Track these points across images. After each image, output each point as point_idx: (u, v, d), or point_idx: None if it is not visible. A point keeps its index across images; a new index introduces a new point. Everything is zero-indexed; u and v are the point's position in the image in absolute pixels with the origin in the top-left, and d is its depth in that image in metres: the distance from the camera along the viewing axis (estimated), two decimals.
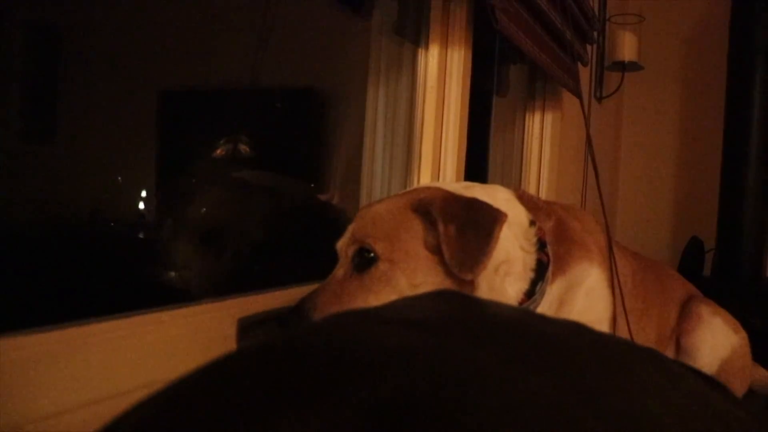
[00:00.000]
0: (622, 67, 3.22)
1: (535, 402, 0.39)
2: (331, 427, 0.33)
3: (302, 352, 0.43)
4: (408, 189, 1.20)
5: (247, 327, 0.94)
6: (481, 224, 1.02)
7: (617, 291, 1.25)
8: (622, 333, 1.24)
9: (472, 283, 1.03)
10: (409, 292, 0.99)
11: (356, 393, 0.36)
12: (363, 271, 1.02)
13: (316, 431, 0.33)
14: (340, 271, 1.05)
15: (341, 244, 1.07)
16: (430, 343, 0.45)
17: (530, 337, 0.51)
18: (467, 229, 1.00)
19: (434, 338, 0.46)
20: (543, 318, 0.60)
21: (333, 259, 1.07)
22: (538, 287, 1.09)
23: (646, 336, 1.33)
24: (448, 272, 1.00)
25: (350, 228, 1.07)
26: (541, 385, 0.41)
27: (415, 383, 0.38)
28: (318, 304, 0.99)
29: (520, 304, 1.08)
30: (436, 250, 1.01)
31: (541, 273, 1.10)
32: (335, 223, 1.74)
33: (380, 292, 1.00)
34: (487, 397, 0.38)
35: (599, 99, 3.28)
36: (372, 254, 1.01)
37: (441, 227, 1.00)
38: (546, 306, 1.13)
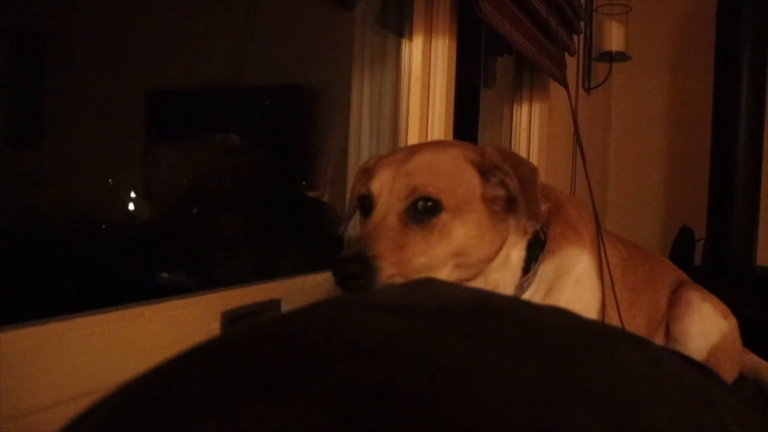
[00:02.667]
0: (610, 57, 3.22)
1: (519, 388, 0.38)
2: (308, 412, 0.33)
3: (283, 338, 0.42)
4: (422, 142, 1.19)
5: (231, 321, 0.93)
6: (530, 176, 1.04)
7: (607, 280, 1.24)
8: (613, 322, 1.24)
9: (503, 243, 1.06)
10: (464, 245, 1.00)
11: (335, 378, 0.35)
12: (422, 221, 0.99)
13: (293, 417, 0.32)
14: (390, 218, 0.99)
15: (386, 187, 1.02)
16: (414, 330, 0.44)
17: (516, 324, 0.50)
18: (525, 181, 1.02)
19: (419, 325, 0.45)
20: (530, 305, 0.59)
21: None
22: (531, 266, 1.11)
23: (636, 324, 1.33)
24: (495, 226, 1.03)
25: (400, 172, 1.02)
26: (525, 371, 0.41)
27: (396, 369, 0.37)
28: (381, 253, 0.94)
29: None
30: (489, 204, 1.03)
31: (536, 251, 1.12)
32: (325, 216, 1.74)
33: (439, 244, 0.99)
34: (469, 383, 0.37)
35: (587, 89, 3.28)
36: (432, 204, 0.99)
37: (514, 182, 1.01)
38: (534, 289, 1.13)
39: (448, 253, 1.00)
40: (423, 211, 0.99)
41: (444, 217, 0.99)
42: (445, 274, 1.00)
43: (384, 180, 1.02)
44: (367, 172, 1.09)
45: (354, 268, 0.91)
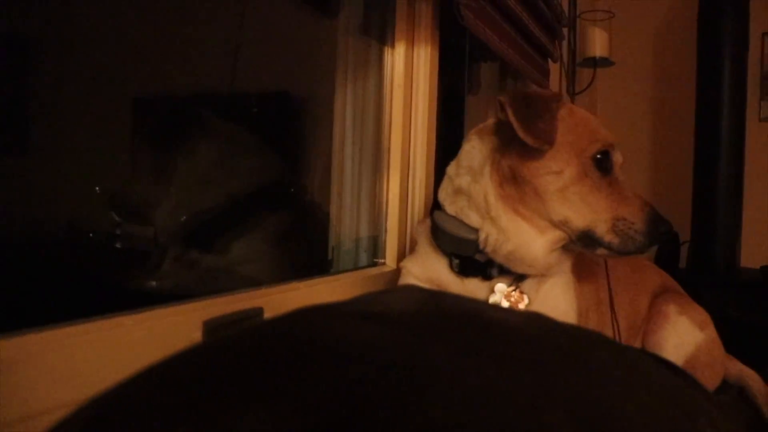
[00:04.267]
0: (594, 63, 3.23)
1: (491, 392, 0.39)
2: (284, 418, 0.33)
3: (262, 346, 0.42)
4: (570, 104, 1.25)
5: (213, 329, 0.92)
6: None
7: (588, 282, 1.26)
8: (592, 324, 1.25)
9: None
10: None
11: (312, 385, 0.36)
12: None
13: (265, 425, 0.32)
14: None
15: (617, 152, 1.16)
16: (390, 336, 0.44)
17: (489, 329, 0.51)
18: None
19: (392, 332, 0.46)
20: (504, 310, 0.60)
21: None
22: None
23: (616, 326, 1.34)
24: None
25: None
26: (498, 376, 0.41)
27: (371, 376, 0.37)
28: None
29: None
30: None
31: None
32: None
33: None
34: (442, 388, 0.37)
35: (572, 95, 3.30)
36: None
37: None
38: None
39: None
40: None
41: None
42: None
43: (617, 147, 1.16)
44: (586, 125, 1.16)
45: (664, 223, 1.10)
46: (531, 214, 1.12)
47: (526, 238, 1.13)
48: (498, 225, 1.13)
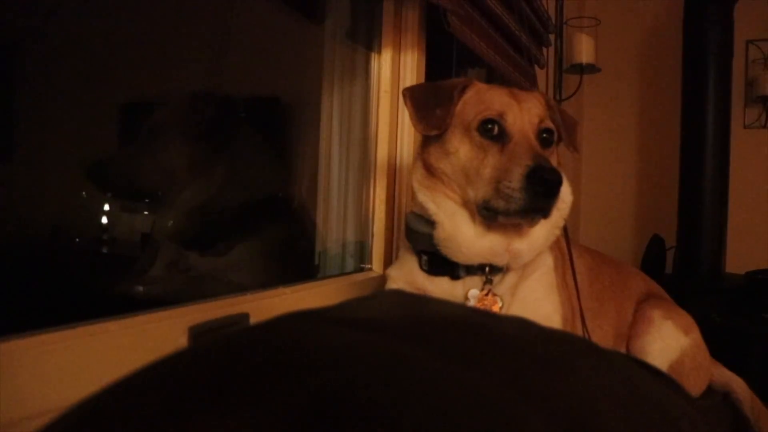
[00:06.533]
0: (580, 69, 3.25)
1: (471, 396, 0.39)
2: (261, 422, 0.33)
3: (245, 351, 0.42)
4: (510, 87, 1.24)
5: (199, 335, 0.92)
6: (571, 121, 1.33)
7: (572, 288, 1.26)
8: (578, 331, 1.25)
9: None
10: None
11: (292, 389, 0.36)
12: (546, 147, 1.14)
13: (246, 426, 0.32)
14: (533, 142, 1.11)
15: (518, 118, 1.12)
16: (371, 342, 0.44)
17: (473, 334, 0.51)
18: (567, 122, 1.27)
19: (376, 337, 0.46)
20: (489, 315, 0.60)
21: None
22: None
23: (603, 333, 1.34)
24: None
25: (523, 108, 1.13)
26: (479, 379, 0.41)
27: (352, 380, 0.37)
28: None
29: None
30: None
31: None
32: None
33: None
34: (422, 391, 0.37)
35: (559, 101, 3.31)
36: (549, 134, 1.16)
37: (559, 119, 1.22)
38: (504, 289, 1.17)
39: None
40: (544, 140, 1.14)
41: (556, 146, 1.18)
42: None
43: (515, 112, 1.12)
44: (482, 99, 1.15)
45: (559, 177, 1.03)
46: (456, 197, 1.15)
47: (457, 222, 1.14)
48: (431, 214, 1.16)
